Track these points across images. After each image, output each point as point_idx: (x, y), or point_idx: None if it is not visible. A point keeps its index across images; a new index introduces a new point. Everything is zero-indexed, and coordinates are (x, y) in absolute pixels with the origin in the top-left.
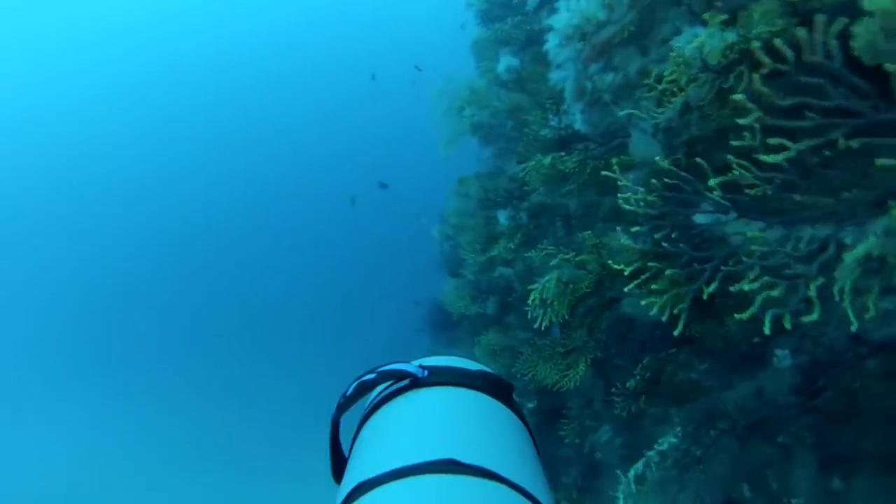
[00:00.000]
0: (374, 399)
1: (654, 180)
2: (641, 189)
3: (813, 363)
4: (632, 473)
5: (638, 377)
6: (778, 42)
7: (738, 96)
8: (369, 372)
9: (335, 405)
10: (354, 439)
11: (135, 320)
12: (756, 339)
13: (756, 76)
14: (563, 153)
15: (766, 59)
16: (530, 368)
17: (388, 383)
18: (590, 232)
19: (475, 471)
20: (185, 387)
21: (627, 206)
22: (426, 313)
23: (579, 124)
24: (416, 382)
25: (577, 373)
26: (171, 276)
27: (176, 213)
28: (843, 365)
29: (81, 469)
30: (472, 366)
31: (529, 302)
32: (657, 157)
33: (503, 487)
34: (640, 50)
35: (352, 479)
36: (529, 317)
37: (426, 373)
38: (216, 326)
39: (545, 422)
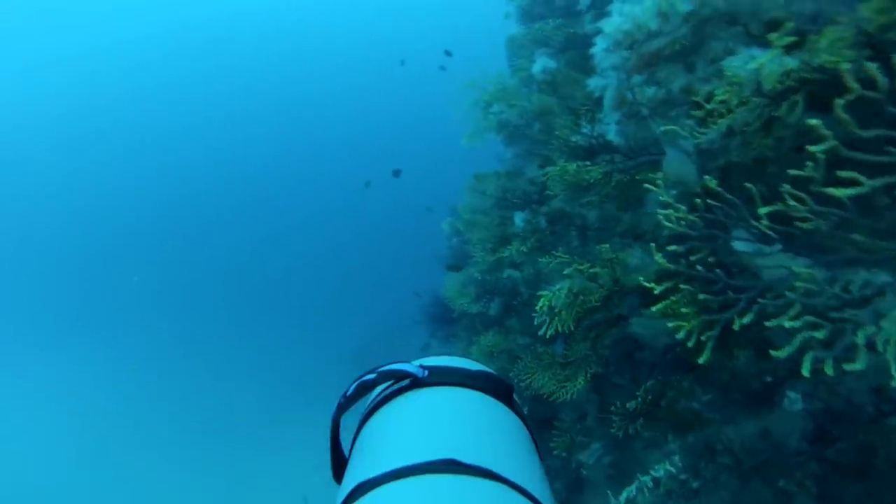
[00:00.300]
0: (374, 399)
1: (697, 200)
2: (683, 207)
3: (827, 411)
4: (623, 496)
5: (640, 398)
6: (870, 67)
7: (814, 121)
8: (369, 372)
9: (335, 404)
10: (355, 439)
11: (136, 281)
12: (769, 379)
13: (839, 102)
14: (588, 162)
15: (854, 85)
16: (528, 375)
17: (389, 383)
18: (607, 245)
19: (476, 471)
20: (178, 349)
21: (668, 224)
22: (425, 306)
23: (613, 135)
24: (416, 382)
25: (575, 385)
26: (176, 239)
27: (192, 175)
28: (861, 418)
29: (72, 427)
30: (473, 366)
31: (538, 308)
32: (706, 178)
33: (504, 487)
34: (686, 67)
35: (352, 478)
36: (535, 322)
37: (426, 373)
38: (216, 293)
39: (534, 430)
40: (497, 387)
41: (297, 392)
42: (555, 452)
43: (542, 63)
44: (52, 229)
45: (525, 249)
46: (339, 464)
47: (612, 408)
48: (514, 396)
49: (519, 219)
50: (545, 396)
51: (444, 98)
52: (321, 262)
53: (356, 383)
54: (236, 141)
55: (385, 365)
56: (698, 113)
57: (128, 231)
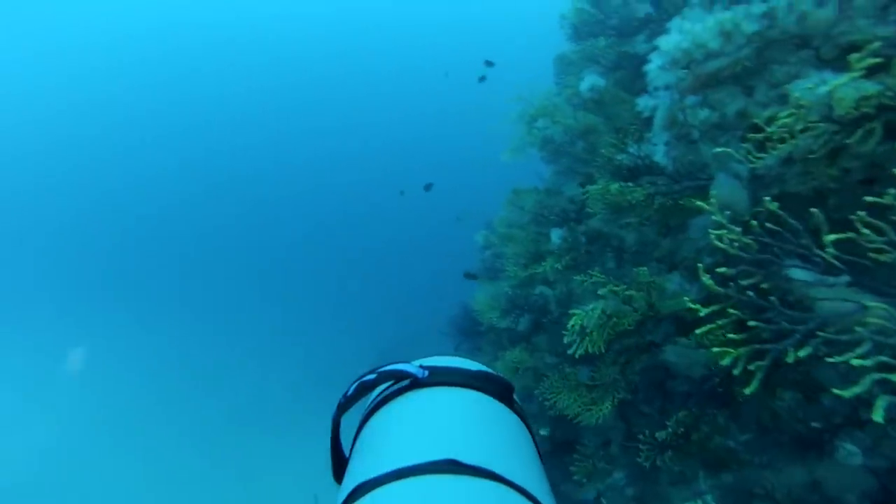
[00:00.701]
0: (374, 399)
1: (754, 222)
2: (738, 229)
3: (893, 471)
4: None
5: (670, 429)
6: None
7: None
8: (370, 372)
9: (336, 405)
10: (355, 439)
11: (163, 264)
12: (817, 424)
13: None
14: (631, 183)
15: None
16: (553, 394)
17: (389, 383)
18: (645, 268)
19: (476, 471)
20: (211, 337)
21: (720, 244)
22: (453, 317)
23: (660, 156)
24: (416, 383)
25: (602, 410)
26: (221, 232)
27: (240, 172)
28: None
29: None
30: (473, 366)
31: (569, 327)
32: (766, 199)
33: (504, 488)
34: (744, 90)
35: (353, 479)
36: (565, 342)
37: (426, 373)
38: (252, 286)
39: (554, 451)
40: (497, 387)
41: (315, 391)
42: (574, 478)
43: (590, 80)
44: (102, 208)
45: (559, 267)
46: (340, 464)
47: (640, 436)
48: (515, 396)
49: (555, 236)
50: (569, 418)
51: (484, 110)
52: (354, 265)
53: (356, 383)
54: (279, 143)
55: (385, 365)
56: (756, 136)
57: (173, 220)
